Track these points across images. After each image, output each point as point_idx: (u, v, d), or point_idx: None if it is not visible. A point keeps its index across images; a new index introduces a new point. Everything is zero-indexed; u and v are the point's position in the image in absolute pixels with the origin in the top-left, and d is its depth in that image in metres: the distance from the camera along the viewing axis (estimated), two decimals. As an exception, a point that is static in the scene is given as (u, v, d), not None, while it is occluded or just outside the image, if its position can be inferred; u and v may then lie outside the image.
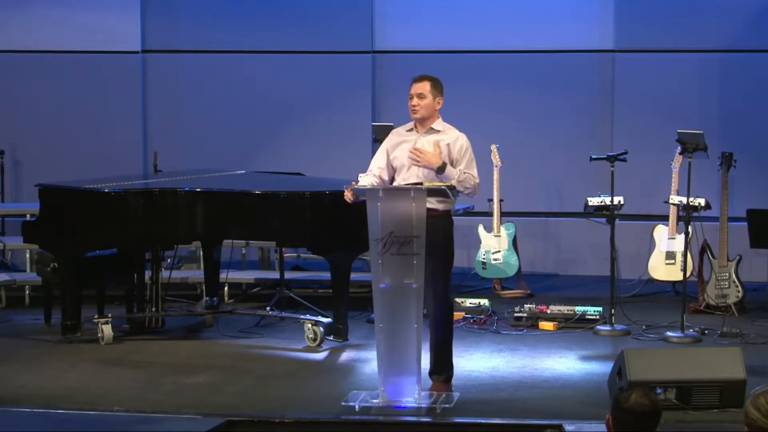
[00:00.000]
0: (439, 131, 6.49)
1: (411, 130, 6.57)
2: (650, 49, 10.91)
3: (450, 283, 6.52)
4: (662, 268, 9.50)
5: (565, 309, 8.54)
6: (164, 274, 8.65)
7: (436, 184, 6.30)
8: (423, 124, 6.50)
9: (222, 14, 11.39)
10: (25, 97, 11.46)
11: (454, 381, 6.80)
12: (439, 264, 6.37)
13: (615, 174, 8.54)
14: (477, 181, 6.48)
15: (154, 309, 8.43)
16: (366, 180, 6.50)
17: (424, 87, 6.49)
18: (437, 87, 6.51)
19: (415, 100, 6.48)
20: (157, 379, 6.93)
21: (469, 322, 8.62)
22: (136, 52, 11.45)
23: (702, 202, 8.46)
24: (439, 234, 6.34)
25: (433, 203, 6.33)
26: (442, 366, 6.51)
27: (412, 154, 6.33)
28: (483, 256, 9.89)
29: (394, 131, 6.70)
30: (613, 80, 11.00)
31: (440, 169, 6.33)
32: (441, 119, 6.54)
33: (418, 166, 6.34)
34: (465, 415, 6.08)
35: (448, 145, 6.45)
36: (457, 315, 8.71)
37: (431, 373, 6.51)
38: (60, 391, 6.64)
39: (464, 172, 6.40)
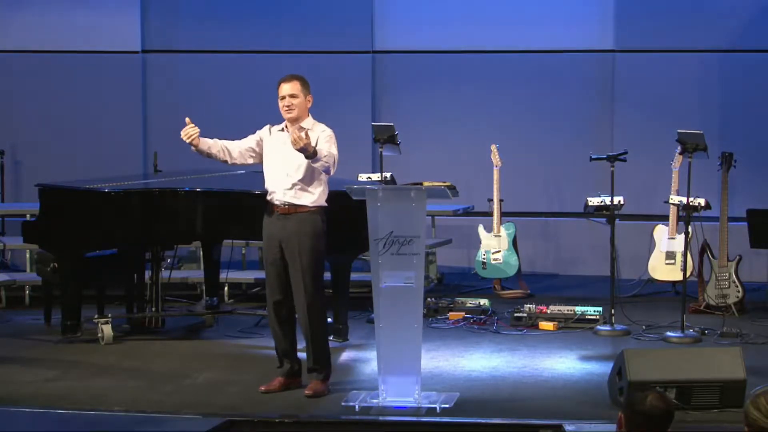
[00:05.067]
0: (307, 129, 6.47)
1: (282, 130, 6.61)
2: (650, 49, 10.91)
3: (320, 281, 6.58)
4: (662, 268, 9.49)
5: (565, 309, 8.54)
6: (164, 274, 8.65)
7: (436, 184, 6.31)
8: (294, 123, 6.53)
9: (222, 14, 11.39)
10: (25, 97, 11.46)
11: (454, 381, 6.86)
12: (305, 262, 6.47)
13: (615, 174, 8.54)
14: (335, 158, 6.43)
15: (154, 309, 8.43)
16: (227, 143, 6.66)
17: (296, 87, 6.53)
18: (306, 85, 6.57)
19: (288, 100, 6.51)
20: (157, 379, 6.94)
21: (469, 322, 8.62)
22: (136, 52, 11.45)
23: (702, 202, 8.45)
24: (307, 230, 6.46)
25: (302, 199, 6.47)
26: (320, 364, 6.58)
27: (294, 139, 6.21)
28: (483, 256, 9.89)
29: (267, 128, 6.68)
30: (613, 80, 11.00)
31: (312, 155, 6.28)
32: (311, 117, 6.58)
33: (297, 146, 6.22)
34: (465, 415, 6.08)
35: (317, 138, 6.45)
36: (457, 315, 8.74)
37: (309, 371, 6.60)
38: (60, 391, 6.64)
39: (326, 155, 6.36)
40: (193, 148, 6.59)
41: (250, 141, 6.68)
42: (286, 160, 6.51)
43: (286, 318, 6.65)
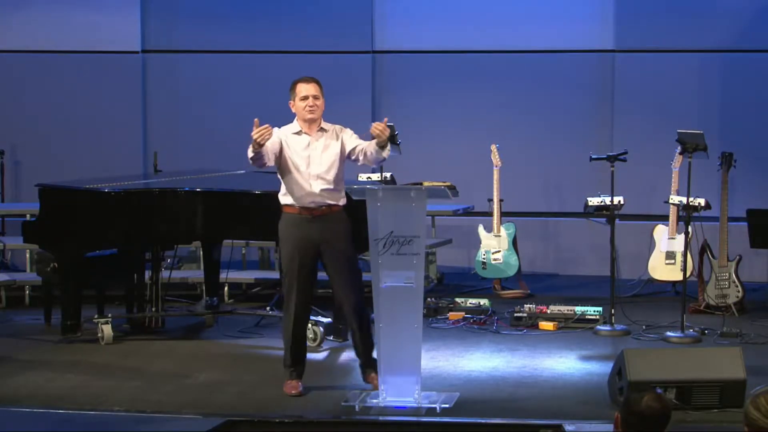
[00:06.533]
0: (327, 130, 6.59)
1: (299, 132, 6.56)
2: (650, 49, 10.91)
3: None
4: (662, 268, 9.49)
5: (565, 309, 8.54)
6: (164, 274, 8.64)
7: (436, 184, 6.33)
8: (313, 125, 6.56)
9: (222, 14, 11.39)
10: (25, 97, 11.46)
11: (454, 381, 6.86)
12: (352, 260, 6.56)
13: (615, 174, 8.55)
14: None
15: (154, 309, 8.43)
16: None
17: (317, 88, 6.59)
18: (322, 87, 6.63)
19: (312, 101, 6.54)
20: (157, 379, 6.94)
21: (469, 322, 8.61)
22: (136, 52, 11.45)
23: (702, 202, 8.46)
24: (346, 227, 6.52)
25: (335, 199, 6.51)
26: (372, 360, 6.61)
27: (380, 129, 6.34)
28: (483, 256, 9.89)
29: (278, 131, 6.55)
30: (613, 80, 11.00)
31: (385, 145, 6.42)
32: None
33: (380, 139, 6.37)
34: (465, 415, 6.08)
35: (341, 136, 6.60)
36: (457, 315, 8.74)
37: (367, 366, 6.64)
38: (60, 391, 6.64)
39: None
40: (256, 147, 6.32)
41: (275, 144, 6.52)
42: (315, 163, 6.51)
43: (307, 320, 6.71)
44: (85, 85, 11.43)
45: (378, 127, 6.36)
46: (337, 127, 6.66)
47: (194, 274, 9.76)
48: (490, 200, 9.94)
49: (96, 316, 8.08)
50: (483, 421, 6.02)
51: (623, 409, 3.83)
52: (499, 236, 9.89)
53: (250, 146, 6.34)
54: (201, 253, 9.30)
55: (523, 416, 6.07)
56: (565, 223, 11.17)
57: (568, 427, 5.77)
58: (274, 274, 9.62)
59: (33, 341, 8.08)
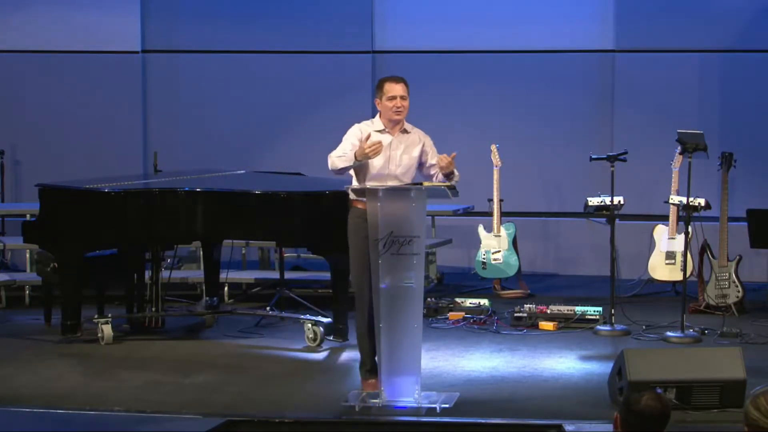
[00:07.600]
0: (409, 132, 6.61)
1: (381, 130, 6.56)
2: (650, 49, 10.91)
3: None
4: (662, 268, 9.49)
5: (565, 309, 8.54)
6: (164, 274, 8.64)
7: (437, 184, 6.32)
8: (397, 125, 6.56)
9: (222, 14, 11.40)
10: (25, 97, 11.47)
11: (454, 381, 6.87)
12: None
13: (615, 174, 8.55)
14: None
15: (154, 309, 8.43)
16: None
17: (405, 89, 6.56)
18: (409, 87, 6.61)
19: (400, 102, 6.52)
20: (157, 379, 6.94)
21: (469, 322, 8.62)
22: (136, 52, 11.45)
23: (702, 202, 8.45)
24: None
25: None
26: None
27: (444, 165, 6.39)
28: (483, 256, 9.89)
29: (358, 127, 6.58)
30: (613, 80, 11.00)
31: (450, 175, 6.45)
32: None
33: (443, 171, 6.44)
34: (465, 415, 6.08)
35: (423, 142, 6.64)
36: (457, 315, 8.74)
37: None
38: (60, 391, 6.64)
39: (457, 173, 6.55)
40: (363, 159, 6.35)
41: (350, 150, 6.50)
42: (394, 164, 6.52)
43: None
44: (85, 85, 11.43)
45: (444, 161, 6.40)
46: (420, 131, 6.66)
47: (194, 274, 9.76)
48: (490, 200, 9.94)
49: (96, 316, 8.08)
50: (483, 421, 6.02)
51: (623, 408, 3.83)
52: (499, 236, 9.89)
53: (346, 158, 6.34)
54: (201, 253, 9.30)
55: (523, 416, 6.07)
56: (565, 223, 11.17)
57: (568, 427, 5.77)
58: (274, 274, 9.63)
59: (33, 341, 8.07)
